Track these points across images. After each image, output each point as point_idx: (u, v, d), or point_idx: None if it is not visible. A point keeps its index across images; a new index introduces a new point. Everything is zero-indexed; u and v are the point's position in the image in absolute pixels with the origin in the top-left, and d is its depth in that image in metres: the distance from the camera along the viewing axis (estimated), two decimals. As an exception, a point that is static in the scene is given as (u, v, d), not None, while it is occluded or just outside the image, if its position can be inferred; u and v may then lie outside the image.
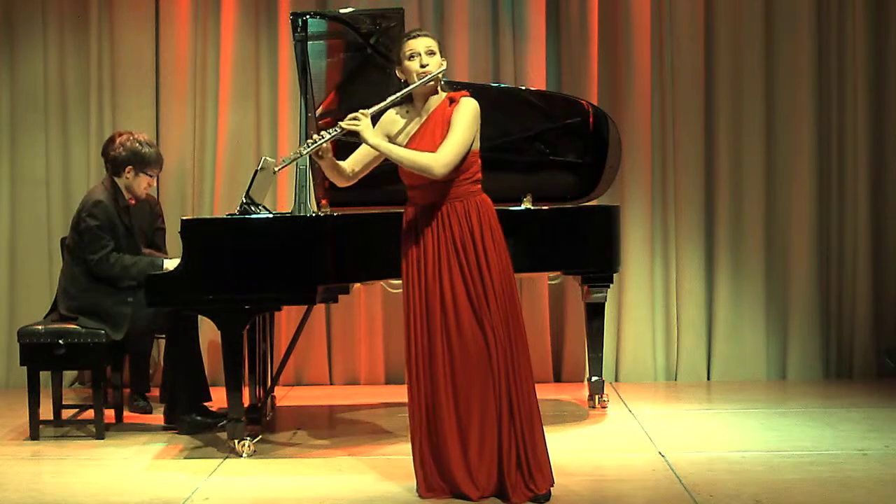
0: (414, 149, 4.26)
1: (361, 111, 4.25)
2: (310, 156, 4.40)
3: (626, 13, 6.94)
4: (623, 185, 6.88)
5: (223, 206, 6.86)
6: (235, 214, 5.33)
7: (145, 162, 5.64)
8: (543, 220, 5.74)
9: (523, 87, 6.52)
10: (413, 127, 4.34)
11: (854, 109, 6.93)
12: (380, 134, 4.35)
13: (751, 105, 6.96)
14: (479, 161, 4.34)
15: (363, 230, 5.22)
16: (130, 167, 5.62)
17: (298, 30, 5.38)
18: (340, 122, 4.27)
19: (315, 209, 5.62)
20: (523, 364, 4.25)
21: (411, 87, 4.27)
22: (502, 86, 6.57)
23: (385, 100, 4.30)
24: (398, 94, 4.30)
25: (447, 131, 4.24)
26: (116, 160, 5.63)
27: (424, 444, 4.27)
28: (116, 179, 5.66)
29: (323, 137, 4.26)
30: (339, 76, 5.65)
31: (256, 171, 5.54)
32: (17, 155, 7.11)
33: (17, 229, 7.11)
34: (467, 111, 4.26)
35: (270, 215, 5.52)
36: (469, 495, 4.20)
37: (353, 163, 4.41)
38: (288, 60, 6.79)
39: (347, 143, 5.46)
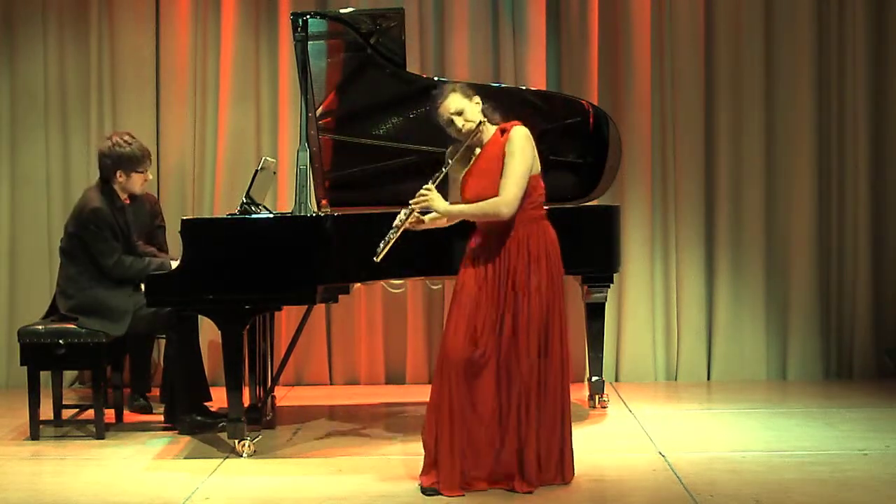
0: (474, 185, 4.44)
1: (426, 187, 4.42)
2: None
3: (626, 13, 6.93)
4: (623, 186, 6.88)
5: (223, 205, 6.86)
6: (236, 214, 5.33)
7: (132, 162, 5.63)
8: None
9: (523, 87, 6.52)
10: (469, 166, 4.50)
11: (854, 110, 6.92)
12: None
13: (751, 105, 6.95)
14: (542, 185, 4.49)
15: (363, 230, 5.21)
16: (119, 171, 5.63)
17: (299, 30, 5.38)
18: (411, 202, 4.44)
19: (315, 209, 5.61)
20: (553, 380, 4.41)
21: (460, 151, 4.47)
22: (502, 86, 6.56)
23: (442, 171, 4.47)
24: (450, 165, 4.47)
25: (502, 165, 4.38)
26: (105, 168, 5.64)
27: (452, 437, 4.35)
28: (112, 183, 5.67)
29: (402, 220, 4.45)
30: (339, 76, 5.65)
31: (257, 170, 5.55)
32: (17, 155, 7.11)
33: (17, 229, 7.10)
34: (519, 142, 4.40)
35: (271, 215, 5.52)
36: (480, 487, 4.35)
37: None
38: (288, 60, 6.79)
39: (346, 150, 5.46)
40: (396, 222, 4.47)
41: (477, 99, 4.46)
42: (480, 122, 4.44)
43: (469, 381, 4.33)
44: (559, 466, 4.45)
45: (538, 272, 4.40)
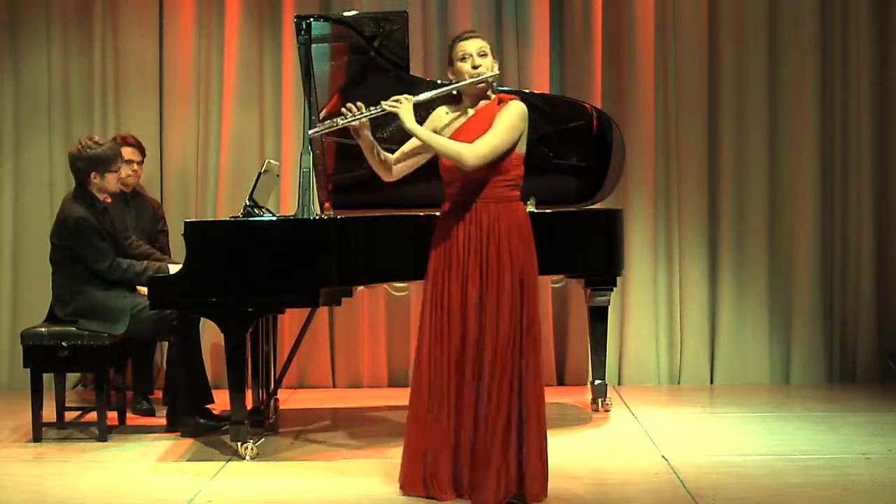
0: (457, 140, 4.26)
1: (405, 96, 4.28)
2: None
3: (629, 16, 6.94)
4: (626, 189, 6.88)
5: (226, 208, 6.86)
6: (239, 217, 5.34)
7: (104, 162, 5.60)
8: (547, 223, 5.72)
9: (527, 91, 6.52)
10: (457, 125, 4.33)
11: (858, 112, 6.92)
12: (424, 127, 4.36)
13: (754, 108, 6.95)
14: (522, 167, 4.31)
15: (366, 233, 5.22)
16: (93, 172, 5.60)
17: (302, 33, 5.37)
18: (382, 102, 4.28)
19: (318, 212, 5.62)
20: (531, 373, 4.21)
21: (460, 83, 4.29)
22: (506, 89, 6.56)
23: (431, 91, 4.35)
24: (445, 89, 4.33)
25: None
26: (79, 172, 5.61)
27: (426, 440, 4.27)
28: (88, 187, 5.65)
29: (361, 112, 4.28)
30: (342, 79, 5.65)
31: (260, 173, 5.55)
32: (21, 157, 7.11)
33: (20, 231, 7.11)
34: (513, 112, 4.24)
35: (274, 218, 5.52)
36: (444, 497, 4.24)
37: (400, 154, 4.42)
38: (292, 63, 6.79)
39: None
40: (352, 108, 4.28)
41: (497, 63, 4.34)
42: (491, 79, 4.29)
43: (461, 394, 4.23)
44: (545, 475, 4.27)
45: (511, 251, 4.22)
